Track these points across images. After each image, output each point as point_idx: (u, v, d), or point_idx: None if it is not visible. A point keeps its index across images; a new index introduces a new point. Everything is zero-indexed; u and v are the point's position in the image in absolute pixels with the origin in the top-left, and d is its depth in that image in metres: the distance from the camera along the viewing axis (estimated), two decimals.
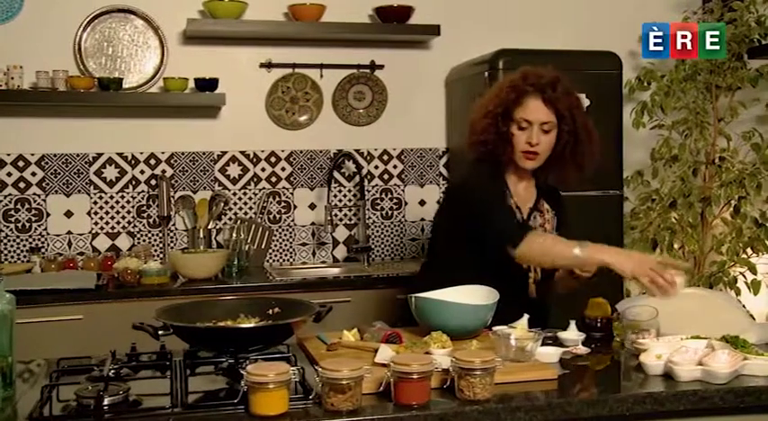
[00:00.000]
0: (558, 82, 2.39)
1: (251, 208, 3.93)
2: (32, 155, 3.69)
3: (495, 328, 2.26)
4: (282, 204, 3.97)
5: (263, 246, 3.87)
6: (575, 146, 2.42)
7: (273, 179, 3.96)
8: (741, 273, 3.78)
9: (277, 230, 3.95)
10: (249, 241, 3.79)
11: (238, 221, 3.82)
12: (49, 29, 3.66)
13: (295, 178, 3.98)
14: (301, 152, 3.97)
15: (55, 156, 3.70)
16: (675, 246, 3.84)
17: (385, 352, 1.95)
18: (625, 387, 1.89)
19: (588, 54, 3.72)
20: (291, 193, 3.98)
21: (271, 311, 2.10)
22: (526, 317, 2.32)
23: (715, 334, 2.10)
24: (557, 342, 2.20)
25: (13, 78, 3.52)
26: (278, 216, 3.97)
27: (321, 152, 3.98)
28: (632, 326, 2.19)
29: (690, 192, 3.71)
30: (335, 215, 4.00)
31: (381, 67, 4.01)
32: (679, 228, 3.80)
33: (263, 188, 3.94)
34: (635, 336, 2.16)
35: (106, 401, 1.66)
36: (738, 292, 3.72)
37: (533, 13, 4.15)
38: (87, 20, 3.68)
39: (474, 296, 2.28)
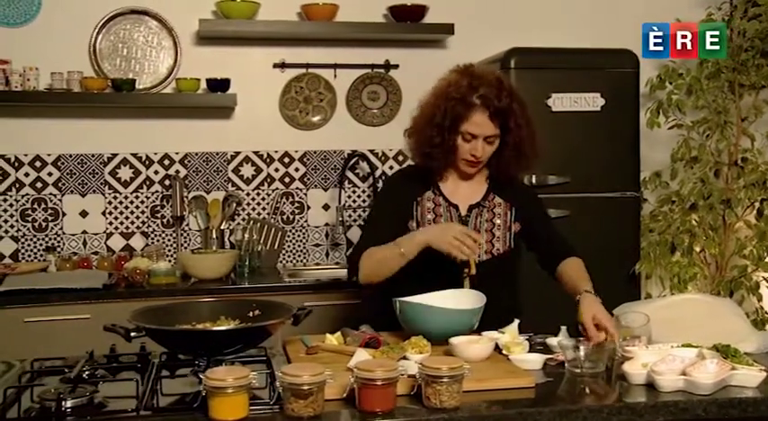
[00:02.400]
0: (502, 90, 2.35)
1: (264, 208, 3.94)
2: (49, 155, 3.74)
3: (483, 333, 2.22)
4: (296, 205, 3.96)
5: (275, 247, 3.86)
6: (518, 152, 2.42)
7: (287, 179, 3.95)
8: (764, 277, 3.65)
9: (290, 231, 3.95)
10: (262, 242, 3.79)
11: (251, 222, 3.82)
12: (65, 31, 3.70)
13: (308, 179, 3.96)
14: (315, 152, 3.96)
15: (71, 156, 3.75)
16: (696, 249, 3.73)
17: (360, 356, 1.92)
18: (602, 397, 1.82)
19: (605, 52, 3.63)
20: (305, 194, 3.97)
21: (251, 313, 2.08)
22: (516, 322, 2.27)
23: (713, 342, 2.02)
24: (546, 348, 2.15)
25: (29, 80, 3.57)
26: (291, 216, 3.96)
27: (335, 152, 3.96)
28: (622, 333, 2.12)
29: (710, 194, 3.59)
30: (349, 216, 3.98)
31: (396, 66, 3.97)
32: (700, 232, 3.69)
33: (277, 188, 3.94)
34: (624, 343, 2.09)
35: (69, 403, 1.66)
36: (760, 298, 3.60)
37: (550, 11, 4.08)
38: (102, 22, 3.72)
39: (460, 300, 2.24)
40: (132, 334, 1.87)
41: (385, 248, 2.32)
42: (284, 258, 3.93)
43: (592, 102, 3.51)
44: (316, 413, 1.62)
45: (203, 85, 3.71)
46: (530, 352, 2.11)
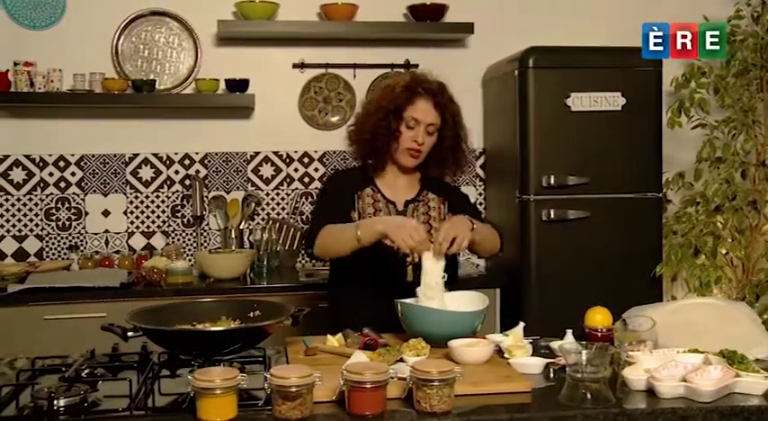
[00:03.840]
0: (445, 89, 2.56)
1: (284, 208, 3.94)
2: (72, 155, 3.79)
3: (488, 336, 2.20)
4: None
5: (294, 247, 3.87)
6: (454, 149, 2.57)
7: (306, 179, 3.95)
8: None
9: (303, 232, 3.94)
10: (281, 241, 3.79)
11: (270, 222, 3.83)
12: (88, 33, 3.75)
13: None
14: (334, 153, 3.96)
15: (93, 156, 3.80)
16: (722, 251, 3.64)
17: (358, 358, 1.91)
18: (600, 403, 1.78)
19: (626, 50, 3.53)
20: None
21: (252, 314, 2.08)
22: (521, 325, 2.24)
23: (723, 347, 1.97)
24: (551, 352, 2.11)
25: (52, 81, 3.62)
26: (311, 216, 3.95)
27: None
28: (627, 337, 2.07)
29: (735, 195, 3.50)
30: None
31: (416, 66, 3.94)
32: (725, 234, 3.60)
33: (296, 189, 3.95)
34: (629, 348, 2.04)
35: (62, 402, 1.67)
36: None
37: (571, 8, 4.03)
38: (124, 24, 3.76)
39: (463, 302, 2.22)
40: (129, 334, 1.88)
41: (344, 228, 2.38)
42: (303, 258, 3.93)
43: (612, 101, 3.45)
44: (303, 415, 1.61)
45: (222, 85, 3.73)
46: (533, 355, 2.07)
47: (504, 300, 3.54)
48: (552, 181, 3.42)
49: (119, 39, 3.77)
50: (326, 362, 1.99)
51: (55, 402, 1.65)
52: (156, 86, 3.73)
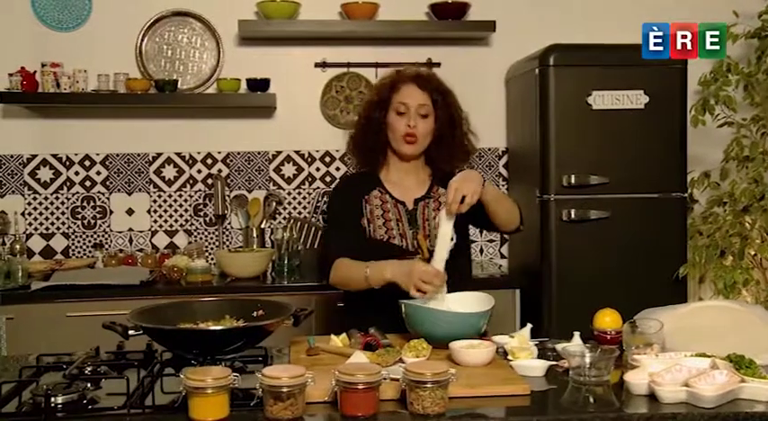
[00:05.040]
0: (431, 74, 2.57)
1: (305, 207, 3.95)
2: (97, 155, 3.85)
3: (494, 338, 2.17)
4: None
5: (315, 246, 3.87)
6: (452, 129, 2.52)
7: (328, 179, 3.96)
8: None
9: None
10: (302, 241, 3.80)
11: (291, 221, 3.84)
12: (114, 34, 3.80)
13: None
14: None
15: (118, 155, 3.85)
16: (750, 252, 3.55)
17: (357, 358, 1.90)
18: (600, 407, 1.75)
19: None
20: None
21: (255, 313, 2.08)
22: (528, 326, 2.21)
23: (734, 352, 1.92)
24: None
25: (77, 82, 3.68)
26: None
27: None
28: (634, 340, 2.03)
29: (763, 195, 3.42)
30: None
31: (438, 64, 3.92)
32: (753, 235, 3.51)
33: (318, 188, 3.95)
34: (635, 351, 2.00)
35: (60, 400, 1.69)
36: None
37: (596, 5, 3.98)
38: (147, 24, 3.80)
39: (469, 303, 2.19)
40: (130, 332, 1.89)
41: (355, 267, 2.36)
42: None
43: (635, 99, 3.39)
44: (294, 416, 1.60)
45: (244, 85, 3.75)
46: (539, 358, 2.04)
47: (525, 301, 3.50)
48: (573, 180, 3.37)
49: (142, 39, 3.81)
50: (327, 362, 1.98)
51: (52, 399, 1.67)
52: (179, 86, 3.76)
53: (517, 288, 3.51)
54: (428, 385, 1.62)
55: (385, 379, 1.66)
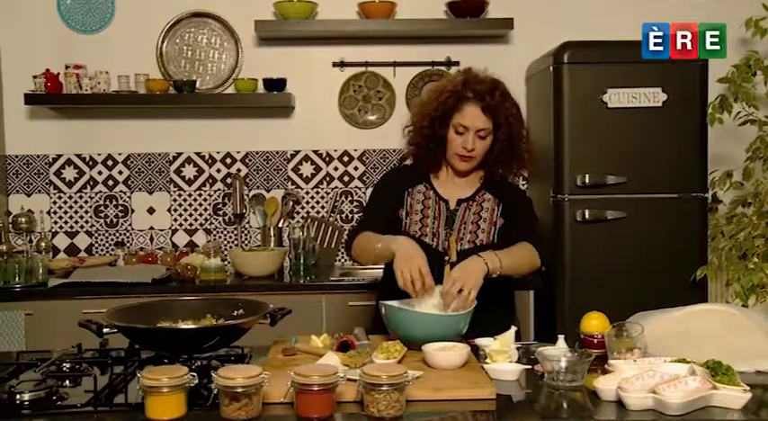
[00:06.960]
0: (497, 88, 2.41)
1: (323, 207, 3.96)
2: (120, 154, 3.92)
3: (477, 340, 2.14)
4: (355, 204, 3.96)
5: (332, 246, 3.88)
6: (510, 150, 2.46)
7: (346, 178, 3.96)
8: None
9: (349, 230, 3.95)
10: (319, 240, 3.81)
11: (309, 220, 3.86)
12: (135, 36, 3.87)
13: (368, 177, 3.95)
14: (374, 151, 3.95)
15: (139, 155, 3.92)
16: None
17: (328, 359, 1.89)
18: (561, 414, 1.70)
19: None
20: (364, 193, 3.96)
21: (236, 312, 2.09)
22: (513, 329, 2.17)
23: (725, 357, 1.84)
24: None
25: (99, 83, 3.75)
26: (350, 215, 3.96)
27: (394, 151, 3.92)
28: (617, 345, 1.98)
29: None
30: None
31: (456, 63, 3.88)
32: None
33: (336, 187, 3.96)
34: (617, 356, 1.95)
35: (27, 397, 1.71)
36: None
37: (615, 1, 3.88)
38: (168, 26, 3.85)
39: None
40: (105, 330, 1.92)
41: (371, 239, 2.36)
42: (342, 256, 3.94)
43: (652, 97, 3.29)
44: (249, 416, 1.60)
45: (261, 84, 3.77)
46: (518, 362, 2.00)
47: (538, 303, 3.44)
48: (587, 180, 3.30)
49: (163, 41, 3.86)
50: (301, 361, 1.98)
51: (18, 396, 1.70)
52: (199, 87, 3.81)
53: (531, 289, 3.44)
54: (383, 388, 1.61)
55: (341, 380, 1.64)
